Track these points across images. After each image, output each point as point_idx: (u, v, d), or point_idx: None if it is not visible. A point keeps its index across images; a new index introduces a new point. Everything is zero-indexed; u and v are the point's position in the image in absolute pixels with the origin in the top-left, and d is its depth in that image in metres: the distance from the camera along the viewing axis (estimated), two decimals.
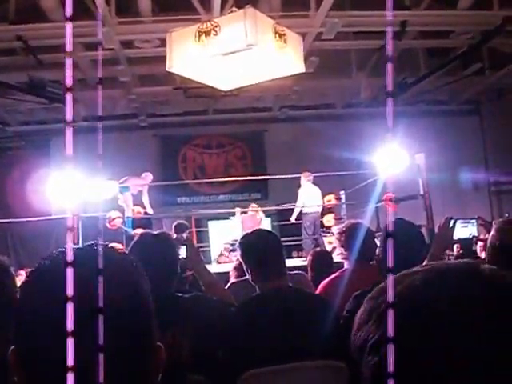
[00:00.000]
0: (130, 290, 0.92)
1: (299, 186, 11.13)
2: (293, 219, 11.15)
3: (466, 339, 0.67)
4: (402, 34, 10.04)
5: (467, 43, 11.14)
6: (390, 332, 0.57)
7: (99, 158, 0.68)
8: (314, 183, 11.13)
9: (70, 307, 0.54)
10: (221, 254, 11.73)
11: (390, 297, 0.59)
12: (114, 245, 4.96)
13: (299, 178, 11.05)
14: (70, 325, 0.54)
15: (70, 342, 0.54)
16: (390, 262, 0.56)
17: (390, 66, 0.56)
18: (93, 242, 0.97)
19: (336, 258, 5.81)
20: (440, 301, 0.70)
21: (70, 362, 0.53)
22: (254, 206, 11.85)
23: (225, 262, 10.62)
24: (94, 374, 0.65)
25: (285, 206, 11.97)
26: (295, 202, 11.17)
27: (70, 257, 0.56)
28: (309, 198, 10.98)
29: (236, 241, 6.24)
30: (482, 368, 0.66)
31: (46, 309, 0.83)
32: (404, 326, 0.66)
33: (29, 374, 0.89)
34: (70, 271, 0.55)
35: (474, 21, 10.21)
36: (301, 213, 11.08)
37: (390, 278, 0.56)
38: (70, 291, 0.54)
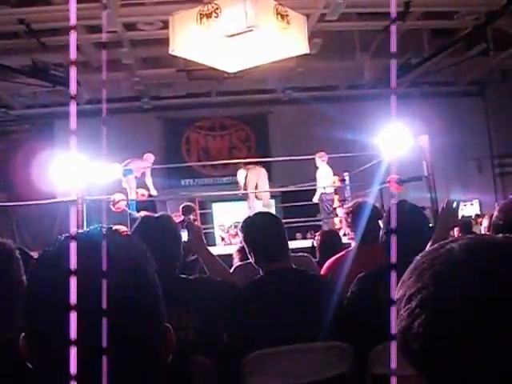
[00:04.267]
0: (136, 273, 0.92)
1: (316, 167, 11.02)
2: (315, 200, 11.05)
3: None
4: (405, 15, 9.97)
5: (472, 24, 11.05)
6: (393, 329, 0.58)
7: (103, 149, 0.68)
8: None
9: (73, 315, 0.54)
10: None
11: (393, 294, 0.61)
12: (118, 227, 4.96)
13: (302, 160, 10.97)
14: (73, 334, 0.54)
15: (73, 351, 0.53)
16: (393, 258, 0.56)
17: (393, 63, 0.56)
18: (97, 225, 0.97)
19: (343, 239, 5.78)
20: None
21: (72, 370, 0.53)
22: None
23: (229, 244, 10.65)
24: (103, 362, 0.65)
25: (290, 188, 11.94)
26: (299, 183, 11.12)
27: (73, 265, 0.55)
28: (327, 178, 10.94)
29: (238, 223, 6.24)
30: None
31: (52, 296, 0.83)
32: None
33: (37, 359, 0.89)
34: (73, 280, 0.54)
35: (478, 1, 10.15)
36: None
37: (393, 275, 0.56)
38: (73, 300, 0.54)
